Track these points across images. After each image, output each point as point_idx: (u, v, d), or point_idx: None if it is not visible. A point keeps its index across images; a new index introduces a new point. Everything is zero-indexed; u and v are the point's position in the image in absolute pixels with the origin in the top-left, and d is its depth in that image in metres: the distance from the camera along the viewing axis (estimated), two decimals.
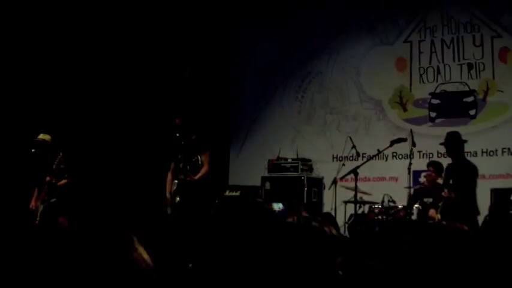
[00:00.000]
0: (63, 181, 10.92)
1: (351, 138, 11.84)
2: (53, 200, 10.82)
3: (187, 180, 9.32)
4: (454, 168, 9.84)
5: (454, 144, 9.90)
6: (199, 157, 9.43)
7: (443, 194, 9.54)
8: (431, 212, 9.90)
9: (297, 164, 12.45)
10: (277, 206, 10.32)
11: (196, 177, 9.36)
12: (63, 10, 12.62)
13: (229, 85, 14.60)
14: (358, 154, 11.64)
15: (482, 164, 11.93)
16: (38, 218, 10.73)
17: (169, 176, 9.85)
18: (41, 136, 11.07)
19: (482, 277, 2.92)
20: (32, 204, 10.89)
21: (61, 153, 10.87)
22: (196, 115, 10.71)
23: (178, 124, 9.69)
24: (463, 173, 9.65)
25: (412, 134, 11.06)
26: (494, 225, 8.31)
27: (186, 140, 9.61)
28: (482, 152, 12.10)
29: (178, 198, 9.40)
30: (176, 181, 9.48)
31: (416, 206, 10.35)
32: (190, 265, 2.98)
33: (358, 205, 10.96)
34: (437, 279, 2.92)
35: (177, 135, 9.68)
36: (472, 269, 2.93)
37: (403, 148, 11.57)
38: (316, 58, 13.83)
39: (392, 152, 12.27)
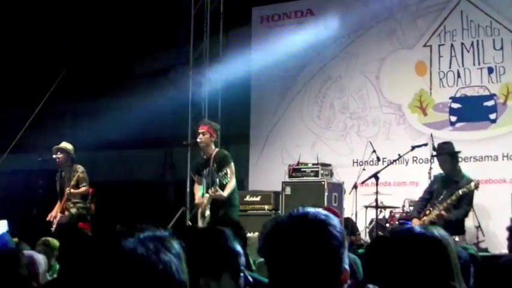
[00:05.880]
0: (82, 189, 11.06)
1: (371, 143, 11.85)
2: (71, 208, 10.99)
3: (218, 195, 9.37)
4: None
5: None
6: (227, 170, 9.45)
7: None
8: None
9: (317, 169, 12.43)
10: None
11: (226, 193, 9.42)
12: None
13: (250, 91, 14.62)
14: (378, 159, 11.64)
15: (503, 169, 11.95)
16: (54, 226, 10.90)
17: (196, 186, 10.00)
18: (63, 145, 11.21)
19: None
20: (52, 214, 11.04)
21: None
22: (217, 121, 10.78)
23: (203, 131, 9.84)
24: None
25: (432, 138, 11.09)
26: None
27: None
28: (503, 156, 12.06)
29: (208, 212, 9.46)
30: (207, 195, 9.55)
31: None
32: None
33: (378, 210, 10.98)
34: None
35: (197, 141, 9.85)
36: None
37: (423, 152, 11.56)
38: (335, 63, 13.84)
39: (413, 157, 12.25)
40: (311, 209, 2.50)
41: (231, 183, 9.50)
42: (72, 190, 10.92)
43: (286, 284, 2.40)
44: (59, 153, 11.16)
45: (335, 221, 2.53)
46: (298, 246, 2.38)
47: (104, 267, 1.59)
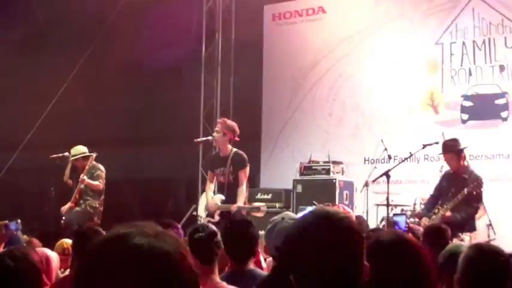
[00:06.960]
0: (96, 183, 11.15)
1: (382, 141, 11.85)
2: (81, 202, 11.11)
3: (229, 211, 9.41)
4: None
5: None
6: (239, 174, 9.51)
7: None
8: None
9: (328, 167, 12.43)
10: None
11: (240, 203, 9.47)
12: None
13: (262, 88, 14.63)
14: (389, 157, 11.63)
15: None
16: (63, 218, 11.01)
17: (208, 184, 10.03)
18: (75, 151, 11.32)
19: None
20: (65, 207, 11.14)
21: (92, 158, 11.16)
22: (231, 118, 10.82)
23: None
24: None
25: (443, 136, 11.06)
26: None
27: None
28: None
29: (218, 217, 9.48)
30: (221, 197, 9.59)
31: None
32: None
33: (390, 208, 10.97)
34: None
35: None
36: None
37: (434, 151, 11.54)
38: (347, 60, 13.83)
39: (424, 155, 12.24)
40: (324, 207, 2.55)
41: (243, 191, 9.54)
42: (85, 177, 11.04)
43: (313, 279, 2.43)
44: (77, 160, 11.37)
45: (353, 217, 2.60)
46: (324, 242, 2.43)
47: (113, 265, 1.61)
